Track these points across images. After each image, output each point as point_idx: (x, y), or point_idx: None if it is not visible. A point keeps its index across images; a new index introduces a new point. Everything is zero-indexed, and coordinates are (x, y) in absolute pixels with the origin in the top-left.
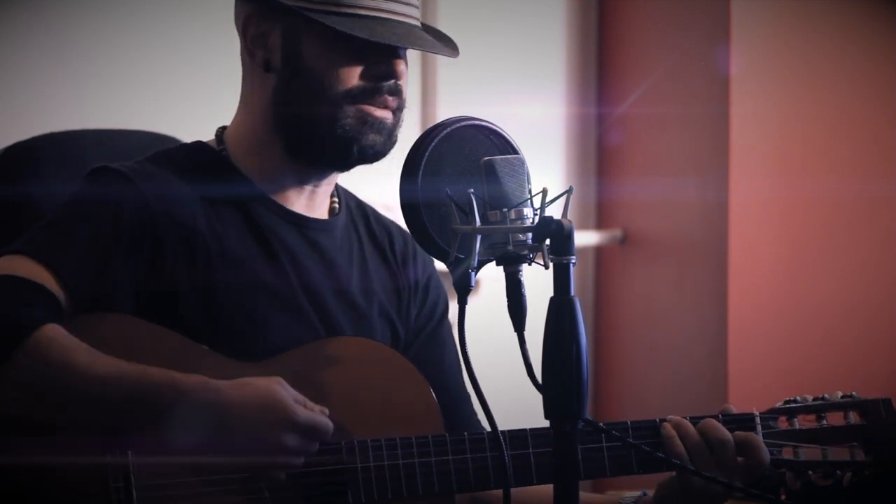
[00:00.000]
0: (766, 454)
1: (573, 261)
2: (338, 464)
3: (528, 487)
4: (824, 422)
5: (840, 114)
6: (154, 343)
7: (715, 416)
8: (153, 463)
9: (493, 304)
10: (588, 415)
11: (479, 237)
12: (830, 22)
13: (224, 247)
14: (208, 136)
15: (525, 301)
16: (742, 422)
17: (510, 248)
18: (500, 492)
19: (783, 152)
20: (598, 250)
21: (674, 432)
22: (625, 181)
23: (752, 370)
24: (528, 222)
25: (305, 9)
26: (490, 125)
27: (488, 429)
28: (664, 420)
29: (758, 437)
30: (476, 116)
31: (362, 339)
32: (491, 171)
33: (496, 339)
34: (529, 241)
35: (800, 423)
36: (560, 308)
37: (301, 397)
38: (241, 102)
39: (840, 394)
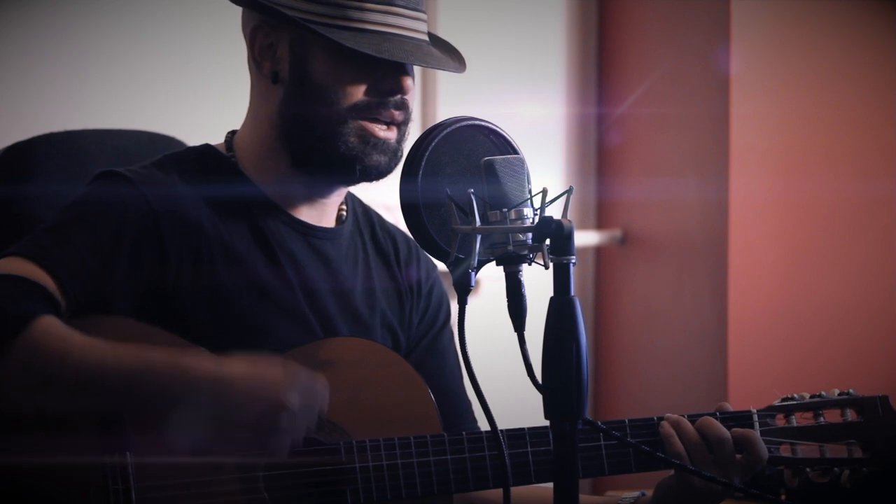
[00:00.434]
0: (764, 450)
1: (573, 261)
2: (336, 464)
3: (522, 487)
4: (822, 419)
5: (840, 114)
6: (154, 345)
7: (712, 414)
8: (152, 464)
9: (493, 304)
10: (588, 415)
11: (479, 237)
12: (830, 22)
13: (228, 252)
14: (208, 136)
15: (525, 301)
16: (739, 419)
17: (510, 248)
18: (493, 492)
19: (783, 152)
20: (598, 250)
21: (672, 431)
22: (625, 181)
23: (751, 370)
24: (528, 222)
25: (313, 22)
26: (490, 125)
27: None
28: (662, 418)
29: (756, 434)
30: (476, 116)
31: (361, 340)
32: (491, 171)
33: (496, 339)
34: (529, 241)
35: (797, 420)
36: (560, 308)
37: (297, 366)
38: (249, 110)
39: (837, 391)
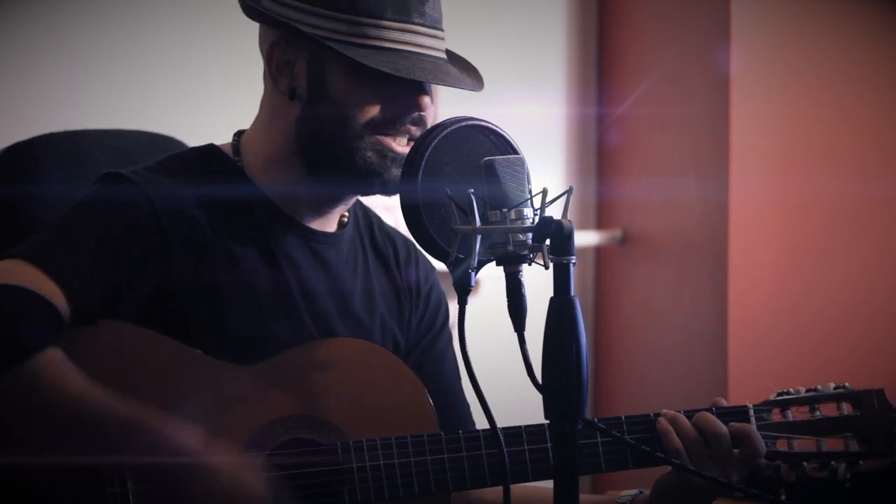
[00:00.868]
0: (761, 444)
1: (573, 261)
2: (334, 464)
3: (518, 486)
4: (818, 413)
5: (840, 114)
6: (149, 349)
7: (708, 410)
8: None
9: (493, 304)
10: (588, 415)
11: (479, 237)
12: (830, 22)
13: (228, 254)
14: (208, 136)
15: (525, 301)
16: (735, 414)
17: (510, 248)
18: (489, 491)
19: (783, 152)
20: (598, 250)
21: (670, 426)
22: (625, 181)
23: (751, 370)
24: (528, 222)
25: (331, 39)
26: (490, 125)
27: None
28: (659, 415)
29: (753, 428)
30: (476, 116)
31: (358, 341)
32: (491, 171)
33: (496, 339)
34: (529, 242)
35: (793, 414)
36: (560, 308)
37: (279, 488)
38: (260, 121)
39: (833, 385)
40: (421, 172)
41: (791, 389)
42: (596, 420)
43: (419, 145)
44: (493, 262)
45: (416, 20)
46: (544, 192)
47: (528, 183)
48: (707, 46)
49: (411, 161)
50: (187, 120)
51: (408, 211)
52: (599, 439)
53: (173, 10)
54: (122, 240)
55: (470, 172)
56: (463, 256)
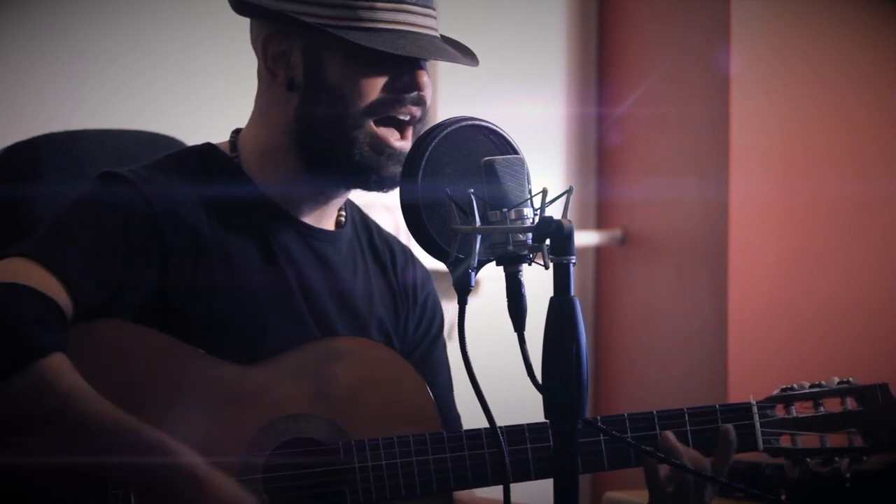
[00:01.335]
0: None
1: (573, 261)
2: (336, 464)
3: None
4: (821, 409)
5: (840, 114)
6: (149, 347)
7: (710, 408)
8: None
9: (493, 304)
10: (588, 415)
11: (479, 237)
12: (830, 22)
13: (227, 252)
14: (208, 136)
15: (525, 301)
16: (739, 411)
17: (510, 248)
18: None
19: (783, 152)
20: (598, 250)
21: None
22: (625, 181)
23: (751, 370)
24: (528, 222)
25: (327, 25)
26: (490, 125)
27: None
28: (661, 412)
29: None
30: (476, 116)
31: (360, 339)
32: (491, 171)
33: (496, 339)
34: (529, 242)
35: (797, 410)
36: (560, 308)
37: None
38: (257, 115)
39: (837, 380)
40: (421, 172)
41: (794, 385)
42: (597, 420)
43: (419, 145)
44: (493, 262)
45: (409, 0)
46: (544, 192)
47: (528, 183)
48: (707, 46)
49: (411, 161)
50: (187, 120)
51: (408, 211)
52: (602, 437)
53: (173, 10)
54: (119, 239)
55: (470, 172)
56: (463, 256)
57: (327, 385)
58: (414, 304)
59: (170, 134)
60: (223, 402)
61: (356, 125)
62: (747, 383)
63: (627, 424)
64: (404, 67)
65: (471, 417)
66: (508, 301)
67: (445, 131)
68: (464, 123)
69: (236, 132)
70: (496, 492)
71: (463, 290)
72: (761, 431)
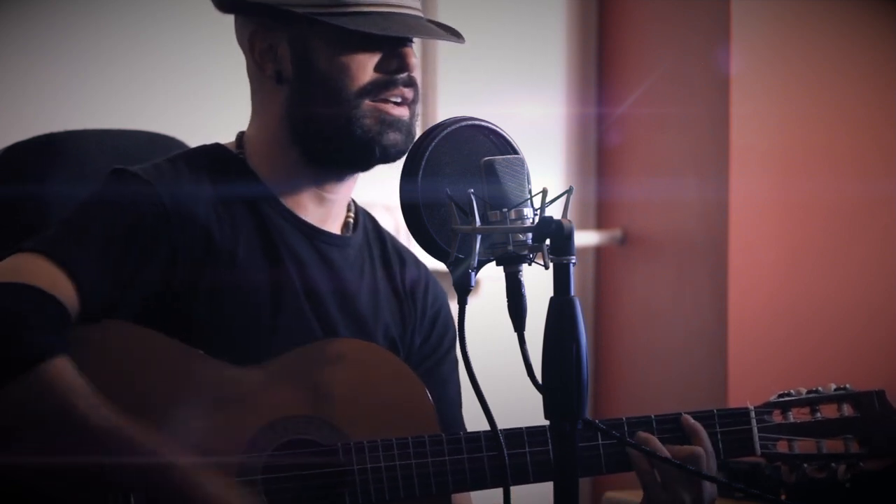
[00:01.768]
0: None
1: (573, 261)
2: (335, 466)
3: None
4: (818, 415)
5: (840, 114)
6: (148, 348)
7: (708, 413)
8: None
9: (493, 304)
10: (588, 415)
11: (479, 237)
12: (830, 22)
13: (234, 252)
14: (208, 136)
15: (525, 301)
16: (736, 416)
17: (510, 248)
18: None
19: (783, 152)
20: (598, 250)
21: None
22: (625, 181)
23: (751, 370)
24: (528, 222)
25: (311, 13)
26: (490, 125)
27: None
28: (658, 417)
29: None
30: (476, 116)
31: (359, 341)
32: (491, 171)
33: (496, 339)
34: (529, 242)
35: (794, 416)
36: (560, 308)
37: None
38: (253, 114)
39: (833, 386)
40: (421, 172)
41: (792, 391)
42: (596, 420)
43: (419, 145)
44: (493, 262)
45: None
46: (544, 192)
47: (528, 183)
48: (707, 46)
49: (411, 161)
50: (187, 120)
51: (408, 211)
52: (600, 441)
53: (173, 10)
54: (130, 237)
55: (470, 172)
56: (463, 256)
57: (326, 386)
58: (422, 316)
59: (170, 134)
60: (222, 404)
61: (352, 106)
62: (747, 384)
63: (626, 428)
64: (391, 49)
65: (471, 418)
66: (508, 301)
67: (445, 131)
68: (464, 123)
69: (241, 134)
70: (495, 494)
71: (463, 290)
72: (759, 436)
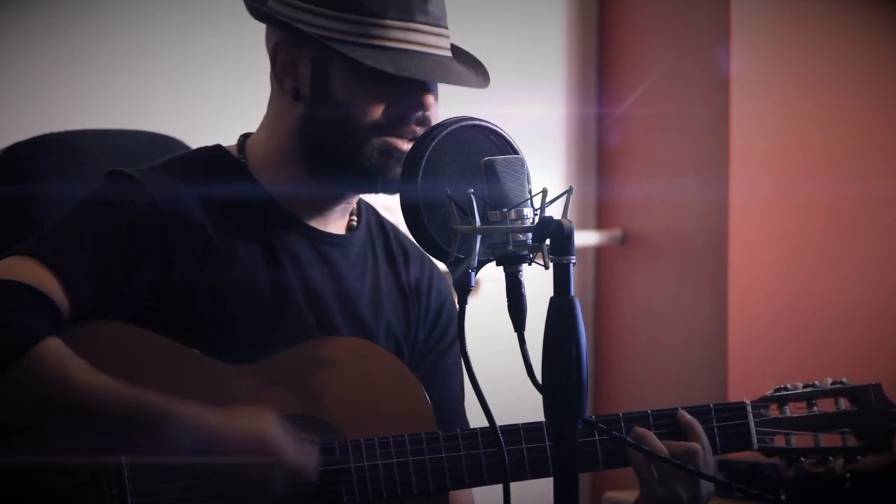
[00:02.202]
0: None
1: (573, 261)
2: (331, 464)
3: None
4: (815, 409)
5: (840, 114)
6: (143, 348)
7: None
8: (147, 465)
9: (493, 304)
10: (588, 415)
11: (479, 237)
12: (830, 22)
13: (232, 255)
14: (208, 136)
15: (525, 301)
16: (733, 411)
17: (510, 248)
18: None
19: (783, 152)
20: (598, 250)
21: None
22: (625, 181)
23: (751, 369)
24: (528, 222)
25: (334, 40)
26: (490, 125)
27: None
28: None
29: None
30: (476, 116)
31: (356, 340)
32: (491, 171)
33: (496, 339)
34: (529, 242)
35: (791, 410)
36: (560, 308)
37: (291, 433)
38: (265, 122)
39: (830, 380)
40: (421, 172)
41: (788, 385)
42: (596, 420)
43: (419, 145)
44: (493, 262)
45: (419, 18)
46: (544, 192)
47: (528, 183)
48: (707, 46)
49: (411, 161)
50: (187, 120)
51: (408, 211)
52: (597, 437)
53: (173, 10)
54: (124, 238)
55: (470, 172)
56: (463, 256)
57: (322, 385)
58: (426, 310)
59: (170, 134)
60: (218, 403)
61: (362, 139)
62: (747, 383)
63: (622, 424)
64: (411, 88)
65: (471, 417)
66: (508, 301)
67: (445, 131)
68: (464, 123)
69: (245, 136)
70: (495, 495)
71: (463, 290)
72: (756, 431)
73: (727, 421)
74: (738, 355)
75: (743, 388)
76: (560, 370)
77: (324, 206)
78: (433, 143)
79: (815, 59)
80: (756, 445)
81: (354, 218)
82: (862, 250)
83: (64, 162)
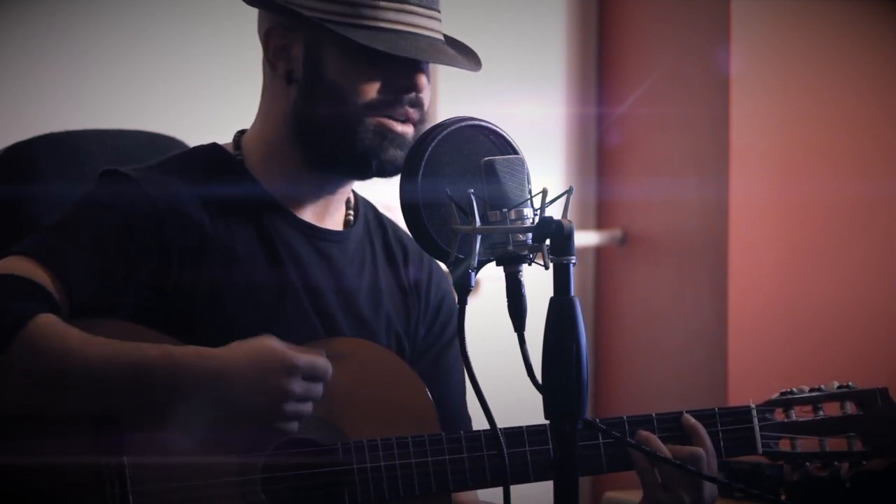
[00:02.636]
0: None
1: (573, 261)
2: (334, 465)
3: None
4: (821, 413)
5: (840, 114)
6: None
7: (710, 412)
8: (149, 465)
9: (493, 304)
10: (588, 415)
11: (479, 237)
12: (830, 22)
13: (231, 253)
14: (208, 136)
15: (525, 301)
16: (738, 415)
17: (510, 248)
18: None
19: (783, 152)
20: (598, 250)
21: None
22: (625, 181)
23: (751, 370)
24: (528, 222)
25: (328, 21)
26: (490, 125)
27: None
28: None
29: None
30: (476, 116)
31: (359, 340)
32: (491, 171)
33: (496, 339)
34: (529, 242)
35: (797, 414)
36: (560, 308)
37: (294, 346)
38: (260, 110)
39: (836, 384)
40: (421, 172)
41: (794, 389)
42: (596, 420)
43: (419, 145)
44: (493, 262)
45: (413, 0)
46: (544, 192)
47: (528, 183)
48: (707, 46)
49: (411, 161)
50: (187, 120)
51: (408, 211)
52: (601, 440)
53: (173, 10)
54: (121, 238)
55: (470, 172)
56: (463, 256)
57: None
58: (426, 305)
59: (170, 134)
60: None
61: (356, 120)
62: (747, 384)
63: (626, 427)
64: (404, 69)
65: (471, 417)
66: (508, 301)
67: (445, 131)
68: (464, 123)
69: (240, 133)
70: (496, 495)
71: (463, 290)
72: (760, 435)
73: (732, 425)
74: (738, 355)
75: (743, 388)
76: (560, 370)
77: (320, 199)
78: (433, 143)
79: (815, 59)
80: (761, 450)
81: (351, 213)
82: (862, 250)
83: (64, 162)
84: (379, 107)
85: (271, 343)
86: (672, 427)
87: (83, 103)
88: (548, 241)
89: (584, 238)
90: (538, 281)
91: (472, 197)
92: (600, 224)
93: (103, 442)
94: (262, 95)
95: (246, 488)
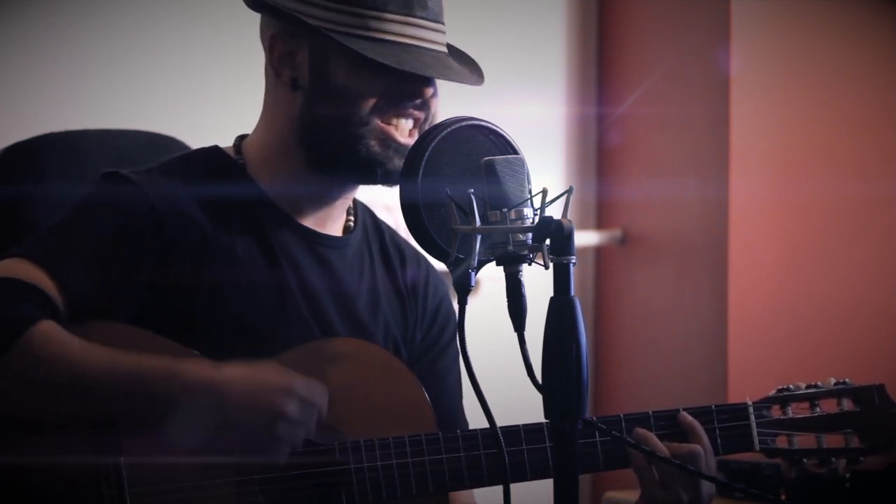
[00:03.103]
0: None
1: (573, 261)
2: (331, 465)
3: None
4: (818, 409)
5: (840, 114)
6: (142, 349)
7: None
8: (147, 466)
9: (493, 304)
10: (588, 415)
11: (479, 237)
12: (830, 22)
13: (229, 256)
14: (208, 136)
15: (525, 301)
16: (735, 412)
17: (510, 248)
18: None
19: (783, 152)
20: (598, 250)
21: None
22: (625, 181)
23: (751, 370)
24: (528, 222)
25: (333, 31)
26: (490, 125)
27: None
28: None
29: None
30: (476, 116)
31: (356, 340)
32: (491, 171)
33: (496, 339)
34: (529, 241)
35: (793, 411)
36: (560, 308)
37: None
38: (263, 116)
39: (833, 381)
40: (421, 172)
41: (791, 385)
42: (596, 420)
43: (419, 145)
44: (493, 262)
45: (418, 13)
46: (544, 192)
47: (528, 183)
48: (707, 46)
49: (411, 161)
50: (187, 120)
51: (408, 211)
52: (598, 438)
53: (173, 10)
54: (120, 239)
55: (470, 172)
56: (463, 256)
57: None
58: (423, 310)
59: (170, 134)
60: None
61: (361, 124)
62: (747, 383)
63: (623, 425)
64: (410, 80)
65: (471, 417)
66: (508, 301)
67: (445, 131)
68: (464, 123)
69: (241, 137)
70: (496, 495)
71: (463, 290)
72: (757, 432)
73: (728, 422)
74: (738, 355)
75: (743, 387)
76: (560, 370)
77: (321, 205)
78: (433, 143)
79: (815, 59)
80: (758, 447)
81: (351, 219)
82: (862, 250)
83: (64, 162)
84: (384, 108)
85: (273, 365)
86: (669, 425)
87: (83, 103)
88: (548, 241)
89: (584, 238)
90: (538, 281)
91: (472, 197)
92: (600, 224)
93: (101, 443)
94: (265, 100)
95: (243, 488)
